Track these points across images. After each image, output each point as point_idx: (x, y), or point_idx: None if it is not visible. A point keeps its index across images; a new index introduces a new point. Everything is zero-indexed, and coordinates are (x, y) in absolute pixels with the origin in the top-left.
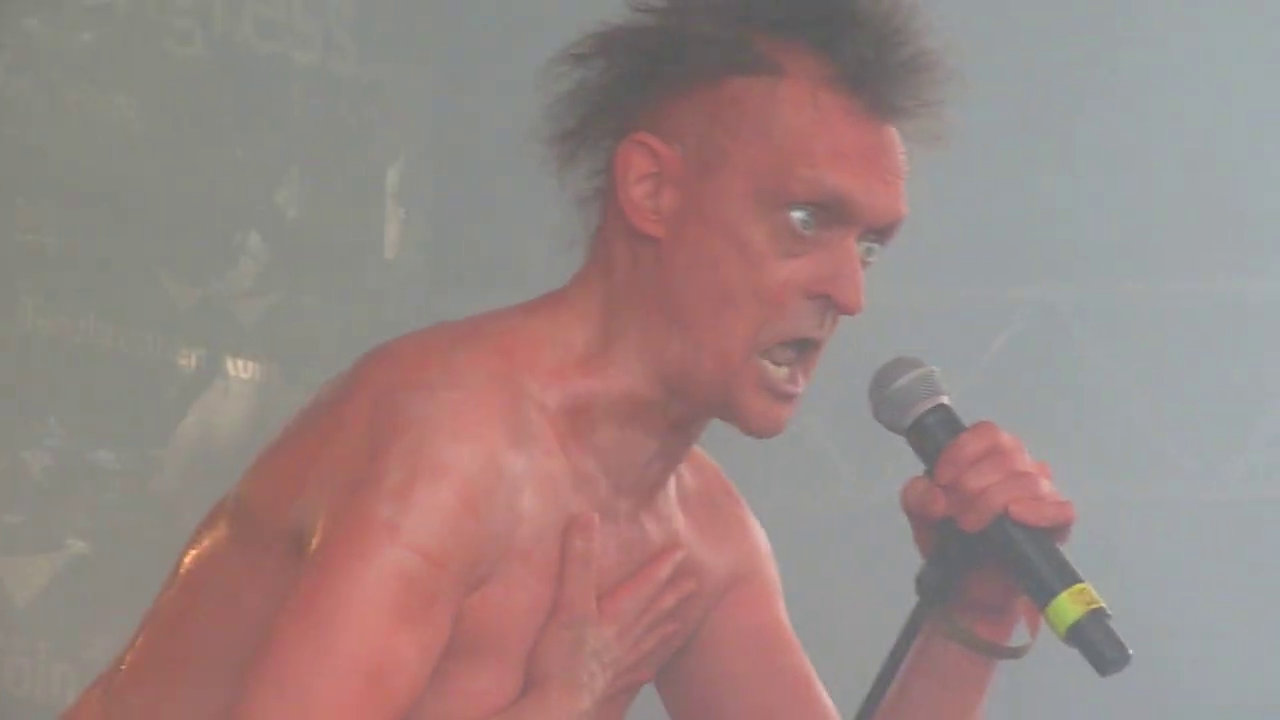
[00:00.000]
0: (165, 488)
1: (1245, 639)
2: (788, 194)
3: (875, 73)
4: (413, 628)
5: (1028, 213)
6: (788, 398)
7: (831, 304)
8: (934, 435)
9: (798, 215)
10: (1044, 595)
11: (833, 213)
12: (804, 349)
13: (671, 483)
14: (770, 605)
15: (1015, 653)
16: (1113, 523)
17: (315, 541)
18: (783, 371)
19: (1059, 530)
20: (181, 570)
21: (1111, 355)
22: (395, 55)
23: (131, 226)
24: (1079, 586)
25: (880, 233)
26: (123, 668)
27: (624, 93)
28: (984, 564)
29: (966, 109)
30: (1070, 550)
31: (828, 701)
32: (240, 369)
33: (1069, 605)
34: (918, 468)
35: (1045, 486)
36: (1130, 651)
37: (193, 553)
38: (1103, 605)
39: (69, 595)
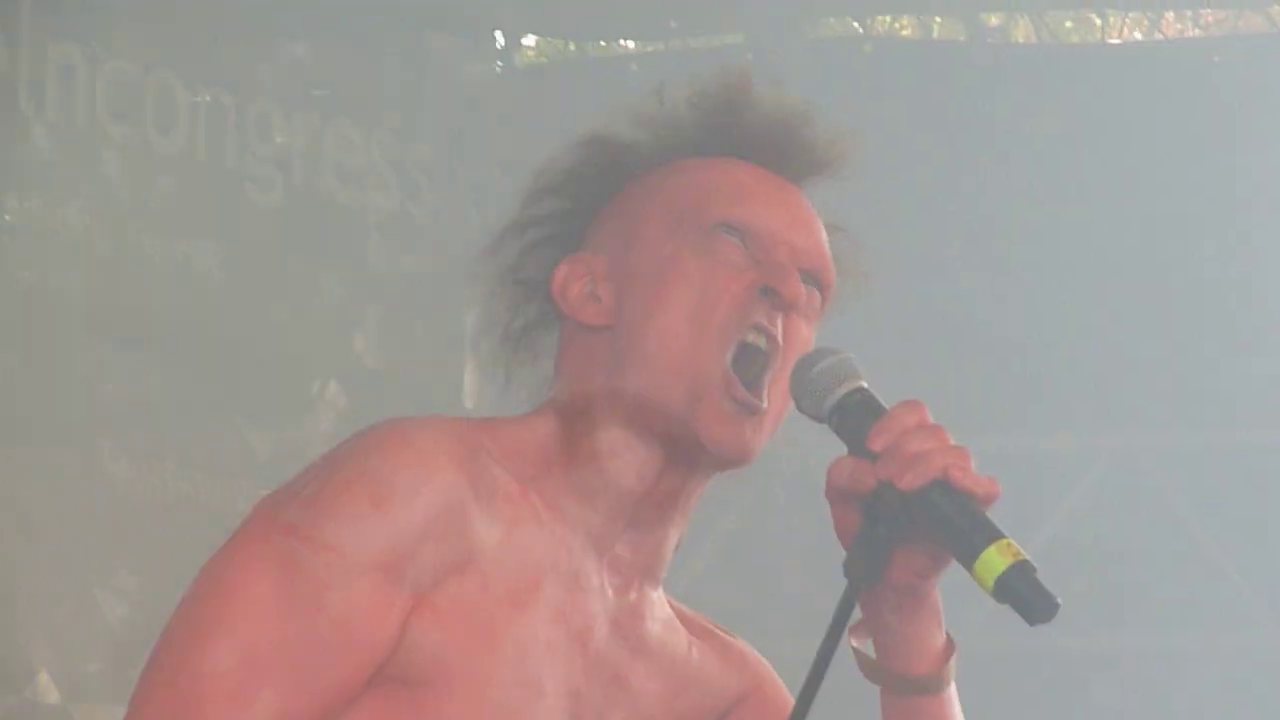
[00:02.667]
0: None
1: None
2: (707, 220)
3: (778, 146)
4: (294, 610)
5: (1112, 359)
6: (751, 410)
7: (775, 296)
8: (857, 415)
9: (720, 231)
10: (971, 552)
11: (753, 237)
12: (760, 359)
13: (665, 606)
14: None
15: (926, 685)
16: (1192, 671)
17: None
18: (742, 389)
19: (987, 503)
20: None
21: (1192, 502)
22: (473, 201)
23: (210, 374)
24: (1003, 541)
25: (812, 275)
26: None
27: (555, 234)
28: (909, 540)
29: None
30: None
31: None
32: None
33: (995, 559)
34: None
35: (973, 463)
36: (1058, 601)
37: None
38: (1028, 558)
39: None
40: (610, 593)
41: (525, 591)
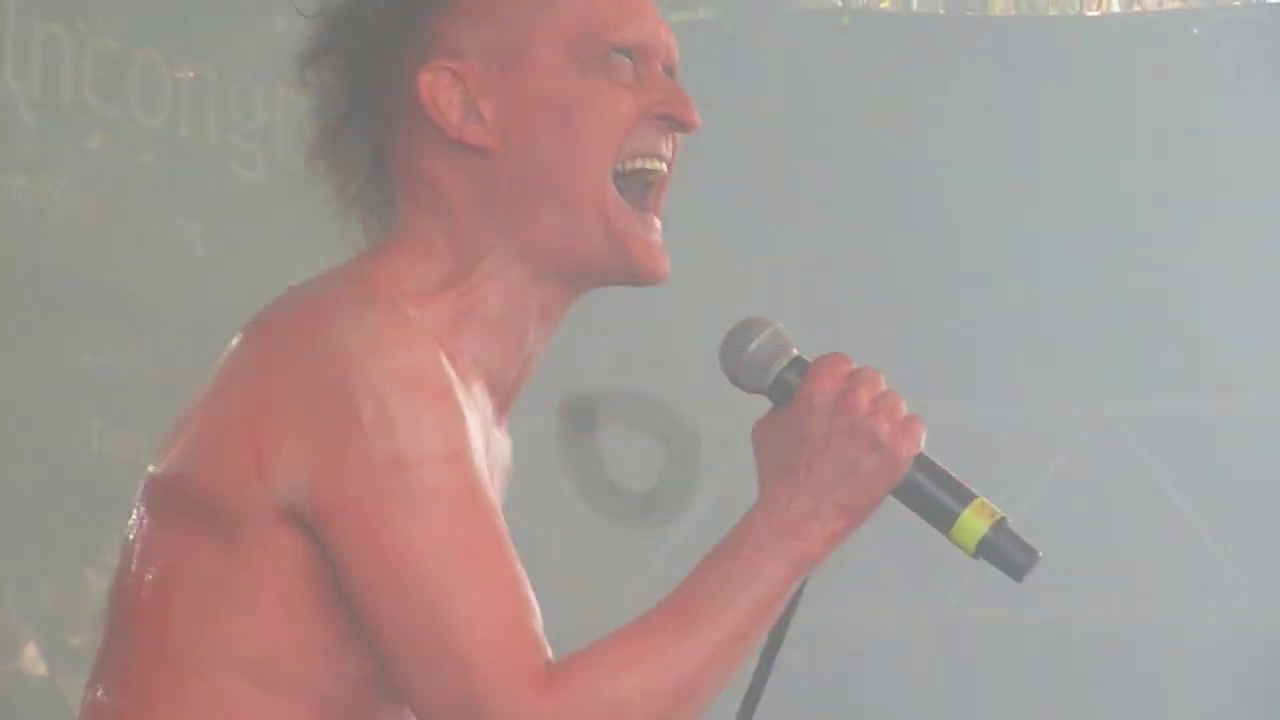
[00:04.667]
0: None
1: None
2: (604, 45)
3: None
4: (479, 515)
5: (1092, 329)
6: (655, 231)
7: (672, 122)
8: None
9: (616, 56)
10: (947, 518)
11: (638, 54)
12: (652, 183)
13: None
14: None
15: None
16: (1171, 640)
17: (340, 515)
18: (649, 219)
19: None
20: (141, 577)
21: (1171, 471)
22: None
23: (196, 350)
24: (977, 502)
25: (672, 68)
26: (116, 693)
27: (390, 39)
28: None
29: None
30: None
31: None
32: None
33: (973, 522)
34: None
35: (903, 407)
36: (1040, 552)
37: (146, 565)
38: (1004, 516)
39: None
40: (500, 427)
41: (482, 454)
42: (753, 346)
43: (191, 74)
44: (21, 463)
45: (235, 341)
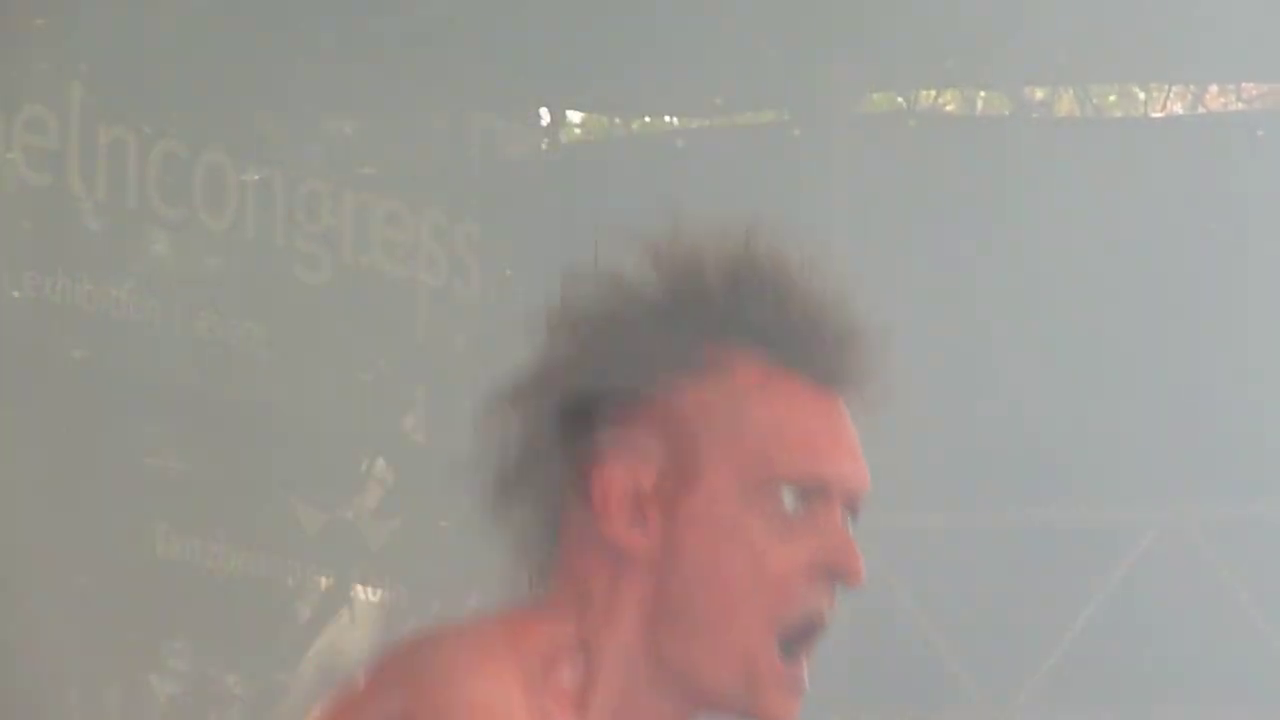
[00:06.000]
0: (291, 712)
1: None
2: (774, 479)
3: (816, 352)
4: None
5: (1162, 432)
6: (803, 691)
7: (835, 577)
8: None
9: (787, 499)
10: None
11: (814, 493)
12: (813, 637)
13: None
14: None
15: None
16: None
17: None
18: (797, 669)
19: None
20: None
21: (1241, 575)
22: (519, 278)
23: (260, 451)
24: None
25: (853, 507)
26: None
27: (573, 427)
28: None
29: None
30: None
31: None
32: (368, 594)
33: None
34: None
35: None
36: None
37: None
38: None
39: None
40: None
41: None
42: None
43: (257, 176)
44: (86, 565)
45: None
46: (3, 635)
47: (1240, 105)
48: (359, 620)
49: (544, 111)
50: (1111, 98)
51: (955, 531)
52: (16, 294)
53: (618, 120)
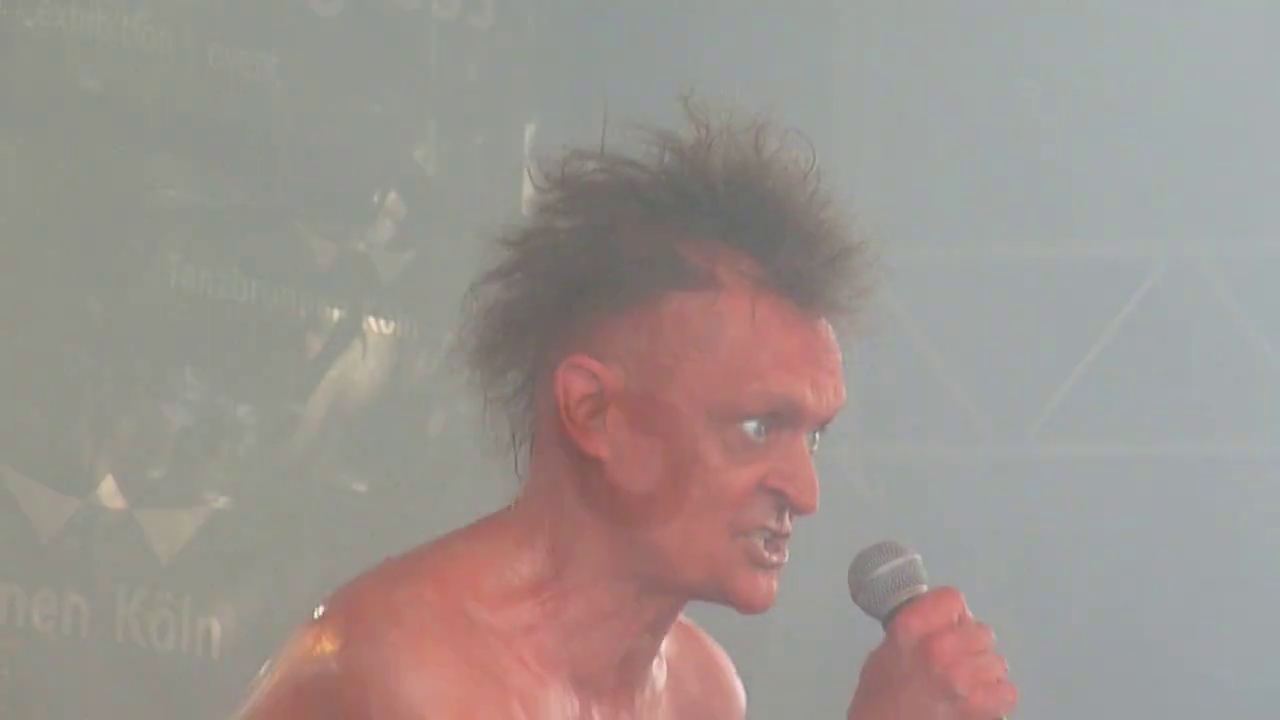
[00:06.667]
0: (303, 443)
1: None
2: (739, 409)
3: (807, 274)
4: None
5: (1164, 167)
6: (773, 567)
7: (786, 502)
8: None
9: (750, 426)
10: None
11: (782, 417)
12: (773, 541)
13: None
14: None
15: None
16: (1253, 479)
17: None
18: (760, 543)
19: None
20: None
21: (1250, 309)
22: (534, 11)
23: (272, 182)
24: None
25: (824, 425)
26: None
27: (553, 313)
28: None
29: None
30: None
31: None
32: (380, 326)
33: None
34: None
35: (999, 670)
36: None
37: None
38: None
39: (211, 550)
40: (627, 710)
41: None
42: (881, 571)
43: None
44: (98, 297)
45: (297, 633)
46: (16, 365)
47: None
48: (371, 352)
49: None
50: None
51: (966, 265)
52: (29, 23)
53: None
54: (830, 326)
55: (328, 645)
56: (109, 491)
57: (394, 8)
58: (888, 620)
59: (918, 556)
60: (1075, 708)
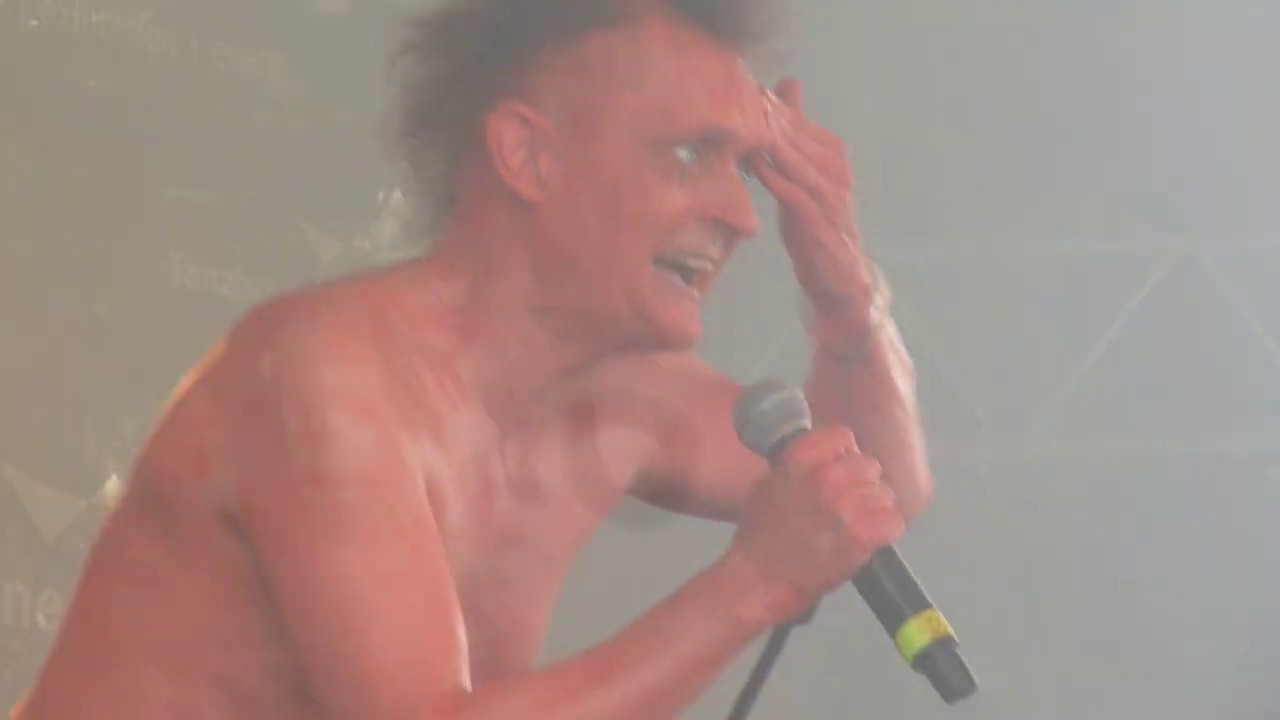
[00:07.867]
0: None
1: None
2: (673, 136)
3: (720, 4)
4: (399, 541)
5: (1169, 163)
6: (691, 298)
7: (726, 228)
8: None
9: (682, 153)
10: (895, 620)
11: (713, 143)
12: (695, 272)
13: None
14: (715, 438)
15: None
16: (1259, 475)
17: (262, 524)
18: (677, 276)
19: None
20: (95, 561)
21: (1255, 305)
22: None
23: (276, 181)
24: (927, 613)
25: (748, 157)
26: (48, 666)
27: (479, 71)
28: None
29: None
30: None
31: None
32: None
33: (918, 632)
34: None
35: (884, 499)
36: (976, 682)
37: (105, 542)
38: (951, 634)
39: None
40: (507, 456)
41: (449, 483)
42: (764, 406)
43: None
44: (103, 296)
45: (224, 335)
46: (21, 364)
47: None
48: None
49: None
50: None
51: (969, 261)
52: (34, 22)
53: None
54: (743, 61)
55: (252, 343)
56: (114, 491)
57: (401, 6)
58: (774, 452)
59: (799, 391)
60: (1076, 705)
